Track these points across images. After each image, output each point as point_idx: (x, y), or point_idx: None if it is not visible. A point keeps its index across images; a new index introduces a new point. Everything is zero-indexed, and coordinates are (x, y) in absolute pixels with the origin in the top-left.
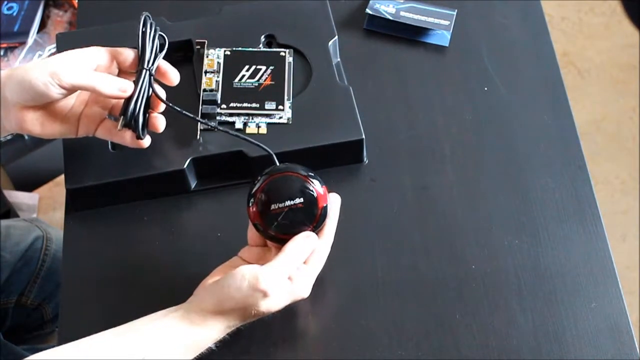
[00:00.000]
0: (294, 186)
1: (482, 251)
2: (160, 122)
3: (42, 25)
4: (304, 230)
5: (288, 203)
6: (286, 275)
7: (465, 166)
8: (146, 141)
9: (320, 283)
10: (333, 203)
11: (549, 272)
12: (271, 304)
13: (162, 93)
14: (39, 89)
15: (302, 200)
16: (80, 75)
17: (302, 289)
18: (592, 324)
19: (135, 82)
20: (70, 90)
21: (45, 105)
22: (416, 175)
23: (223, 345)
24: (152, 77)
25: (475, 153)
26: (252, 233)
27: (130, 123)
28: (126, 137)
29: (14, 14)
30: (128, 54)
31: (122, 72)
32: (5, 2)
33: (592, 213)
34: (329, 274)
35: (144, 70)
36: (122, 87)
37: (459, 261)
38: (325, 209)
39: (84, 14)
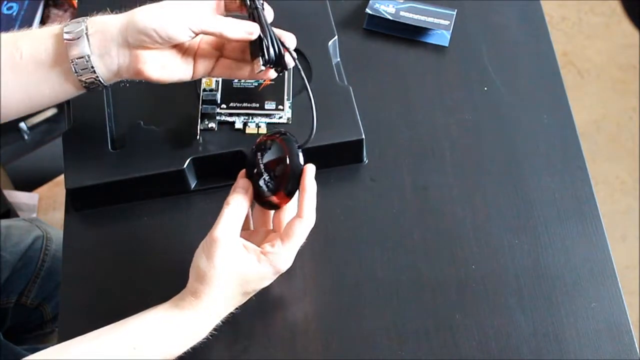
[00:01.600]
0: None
1: (482, 251)
2: (290, 60)
3: (42, 25)
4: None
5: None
6: (234, 229)
7: (465, 166)
8: (272, 73)
9: (320, 283)
10: (307, 174)
11: (549, 272)
12: (225, 236)
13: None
14: (171, 34)
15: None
16: (209, 22)
17: (281, 266)
18: (592, 324)
19: (256, 21)
20: (196, 35)
21: (167, 48)
22: (416, 175)
23: (223, 344)
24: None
25: (475, 153)
26: None
27: (274, 62)
28: (245, 72)
29: (14, 14)
30: None
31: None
32: (5, 2)
33: (592, 213)
34: (329, 273)
35: (258, 6)
36: (249, 30)
37: (459, 261)
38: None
39: (84, 14)
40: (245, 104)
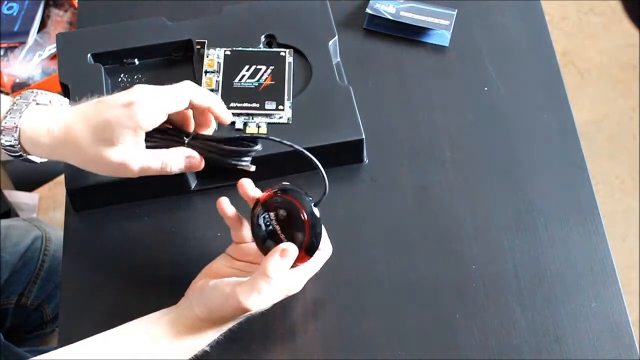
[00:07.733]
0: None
1: (482, 251)
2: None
3: (42, 25)
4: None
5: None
6: (266, 287)
7: (465, 166)
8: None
9: (320, 283)
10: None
11: (549, 272)
12: (257, 308)
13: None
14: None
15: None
16: (149, 162)
17: (292, 287)
18: (592, 324)
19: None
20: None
21: None
22: (416, 175)
23: (223, 344)
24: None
25: (475, 153)
26: (234, 232)
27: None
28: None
29: (14, 14)
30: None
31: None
32: (5, 2)
33: (592, 213)
34: (329, 273)
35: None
36: (189, 164)
37: (459, 261)
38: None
39: (84, 14)
40: (245, 104)
